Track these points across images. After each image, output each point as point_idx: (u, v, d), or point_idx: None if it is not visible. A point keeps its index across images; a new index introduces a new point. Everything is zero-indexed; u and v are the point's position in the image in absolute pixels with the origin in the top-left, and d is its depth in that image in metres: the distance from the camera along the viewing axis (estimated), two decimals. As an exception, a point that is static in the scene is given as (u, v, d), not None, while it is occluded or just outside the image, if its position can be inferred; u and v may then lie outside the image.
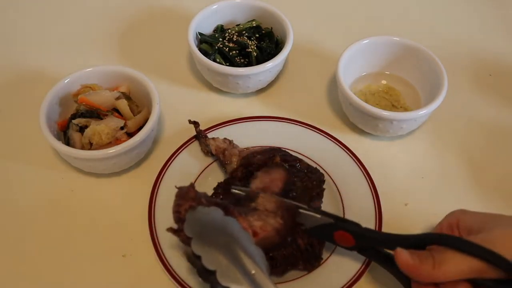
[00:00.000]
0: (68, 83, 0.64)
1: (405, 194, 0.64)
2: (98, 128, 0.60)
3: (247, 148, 0.63)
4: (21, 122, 0.69)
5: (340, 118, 0.72)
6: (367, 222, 0.58)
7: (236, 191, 0.56)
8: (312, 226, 0.53)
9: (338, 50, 0.69)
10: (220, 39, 0.73)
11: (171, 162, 0.62)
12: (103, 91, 0.64)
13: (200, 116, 0.68)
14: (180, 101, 0.73)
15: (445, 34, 0.85)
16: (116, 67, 0.67)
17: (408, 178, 0.66)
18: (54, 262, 0.57)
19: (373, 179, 0.62)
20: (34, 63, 0.77)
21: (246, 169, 0.60)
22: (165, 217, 0.57)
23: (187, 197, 0.52)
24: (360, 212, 0.59)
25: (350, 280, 0.53)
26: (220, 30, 0.76)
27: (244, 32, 0.74)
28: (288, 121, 0.67)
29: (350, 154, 0.64)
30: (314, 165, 0.62)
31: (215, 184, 0.60)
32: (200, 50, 0.71)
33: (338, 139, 0.66)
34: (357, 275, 0.54)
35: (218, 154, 0.62)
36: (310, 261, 0.54)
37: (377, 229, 0.58)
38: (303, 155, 0.64)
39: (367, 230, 0.52)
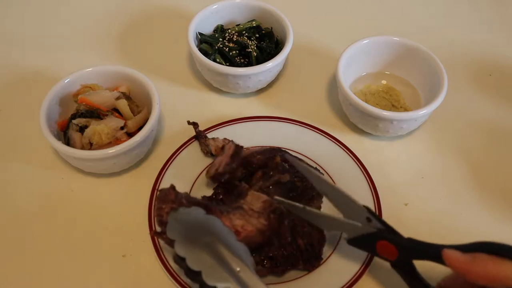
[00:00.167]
0: (68, 83, 0.64)
1: (405, 194, 0.64)
2: (98, 128, 0.60)
3: (247, 148, 0.63)
4: (21, 122, 0.69)
5: (340, 118, 0.72)
6: (367, 222, 0.58)
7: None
8: (353, 237, 0.51)
9: (338, 50, 0.69)
10: (220, 39, 0.73)
11: (171, 162, 0.62)
12: (103, 91, 0.64)
13: (200, 116, 0.68)
14: (180, 101, 0.73)
15: (445, 34, 0.85)
16: (116, 67, 0.67)
17: (408, 178, 0.66)
18: (54, 262, 0.57)
19: (373, 179, 0.62)
20: (34, 63, 0.77)
21: (246, 169, 0.60)
22: (165, 217, 0.58)
23: (167, 200, 0.52)
24: (360, 212, 0.59)
25: (350, 280, 0.53)
26: (220, 30, 0.76)
27: (244, 32, 0.74)
28: (288, 121, 0.67)
29: (350, 154, 0.64)
30: (314, 165, 0.62)
31: (215, 184, 0.61)
32: (200, 50, 0.71)
33: (338, 139, 0.66)
34: (357, 275, 0.54)
35: (218, 154, 0.62)
36: (310, 261, 0.54)
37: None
38: (303, 155, 0.64)
39: (410, 239, 0.49)
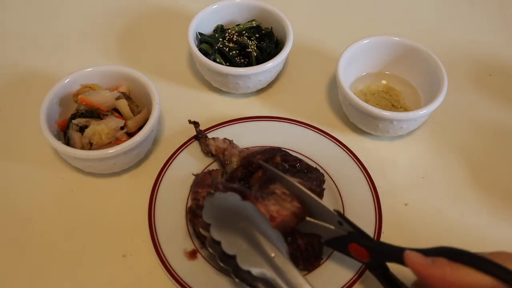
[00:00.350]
0: (68, 83, 0.64)
1: (405, 194, 0.64)
2: (98, 128, 0.60)
3: (247, 148, 0.63)
4: (21, 122, 0.69)
5: (340, 118, 0.72)
6: (367, 222, 0.58)
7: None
8: (329, 238, 0.52)
9: (338, 50, 0.69)
10: (220, 39, 0.73)
11: (171, 162, 0.62)
12: (103, 91, 0.64)
13: (200, 116, 0.68)
14: (180, 101, 0.73)
15: (445, 34, 0.85)
16: (116, 67, 0.67)
17: (408, 178, 0.66)
18: (54, 262, 0.57)
19: (373, 179, 0.62)
20: (34, 63, 0.77)
21: (246, 169, 0.60)
22: (165, 217, 0.58)
23: (204, 184, 0.52)
24: (360, 212, 0.59)
25: (350, 280, 0.53)
26: (220, 30, 0.76)
27: (244, 32, 0.74)
28: (288, 121, 0.67)
29: (350, 154, 0.64)
30: (314, 165, 0.62)
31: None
32: (200, 50, 0.71)
33: (338, 139, 0.66)
34: (357, 274, 0.54)
35: (218, 154, 0.62)
36: (310, 261, 0.54)
37: (377, 229, 0.57)
38: (303, 155, 0.64)
39: (379, 243, 0.50)
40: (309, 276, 0.54)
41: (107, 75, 0.66)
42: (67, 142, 0.62)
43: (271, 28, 0.75)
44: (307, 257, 0.54)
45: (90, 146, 0.61)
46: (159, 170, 0.61)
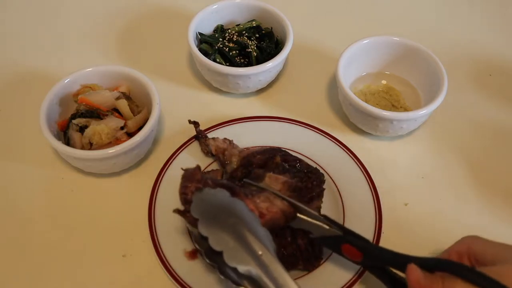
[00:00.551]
0: (68, 83, 0.64)
1: (405, 194, 0.64)
2: (98, 128, 0.60)
3: (247, 148, 0.63)
4: (21, 122, 0.69)
5: (340, 118, 0.72)
6: (367, 222, 0.58)
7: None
8: (320, 236, 0.52)
9: (338, 50, 0.69)
10: (220, 39, 0.73)
11: (171, 162, 0.62)
12: (103, 91, 0.64)
13: (200, 116, 0.68)
14: (180, 101, 0.73)
15: (445, 34, 0.85)
16: (116, 67, 0.67)
17: (408, 178, 0.66)
18: (54, 262, 0.57)
19: (373, 179, 0.62)
20: (34, 63, 0.77)
21: (246, 169, 0.60)
22: (165, 217, 0.57)
23: (193, 179, 0.52)
24: (360, 212, 0.59)
25: (350, 280, 0.53)
26: (220, 30, 0.76)
27: (244, 32, 0.74)
28: (288, 121, 0.67)
29: (350, 154, 0.64)
30: (314, 165, 0.62)
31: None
32: (200, 50, 0.71)
33: (338, 139, 0.66)
34: (357, 275, 0.54)
35: (218, 154, 0.62)
36: (310, 261, 0.54)
37: (377, 229, 0.57)
38: (303, 155, 0.64)
39: (376, 247, 0.50)
40: (309, 276, 0.54)
41: (107, 75, 0.66)
42: (67, 142, 0.62)
43: (271, 28, 0.75)
44: (307, 257, 0.54)
45: (90, 146, 0.61)
46: (159, 170, 0.61)
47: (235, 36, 0.73)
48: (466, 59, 0.81)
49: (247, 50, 0.72)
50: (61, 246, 0.58)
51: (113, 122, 0.61)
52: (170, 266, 0.54)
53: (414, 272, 0.45)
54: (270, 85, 0.74)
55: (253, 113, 0.69)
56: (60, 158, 0.65)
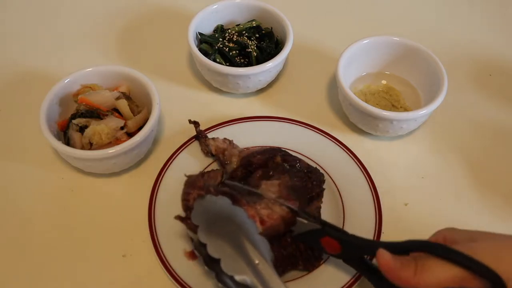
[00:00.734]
0: (68, 83, 0.64)
1: (405, 194, 0.64)
2: (98, 128, 0.60)
3: (247, 148, 0.63)
4: (21, 122, 0.69)
5: (340, 118, 0.72)
6: (367, 222, 0.58)
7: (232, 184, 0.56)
8: (300, 232, 0.53)
9: (338, 50, 0.69)
10: (220, 39, 0.73)
11: (171, 162, 0.62)
12: (103, 91, 0.64)
13: (200, 116, 0.68)
14: (180, 101, 0.73)
15: (445, 34, 0.85)
16: (116, 67, 0.67)
17: (408, 178, 0.66)
18: (54, 262, 0.57)
19: (373, 179, 0.62)
20: (34, 63, 0.77)
21: (246, 169, 0.60)
22: (165, 217, 0.57)
23: (195, 186, 0.52)
24: (360, 212, 0.59)
25: (350, 280, 0.53)
26: (220, 30, 0.76)
27: (244, 32, 0.74)
28: (288, 121, 0.67)
29: (350, 154, 0.64)
30: (314, 165, 0.62)
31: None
32: (200, 50, 0.71)
33: (338, 139, 0.66)
34: (357, 275, 0.54)
35: (218, 154, 0.62)
36: (310, 261, 0.54)
37: (377, 229, 0.58)
38: (303, 155, 0.64)
39: (352, 236, 0.50)
40: (309, 276, 0.54)
41: (107, 75, 0.66)
42: (67, 142, 0.62)
43: (271, 28, 0.75)
44: (307, 257, 0.54)
45: (90, 146, 0.61)
46: (159, 170, 0.61)
47: (235, 36, 0.73)
48: (466, 59, 0.81)
49: (247, 50, 0.72)
50: (61, 246, 0.58)
51: (113, 122, 0.61)
52: (170, 266, 0.54)
53: (383, 256, 0.45)
54: (270, 85, 0.74)
55: (253, 113, 0.69)
56: (60, 158, 0.65)
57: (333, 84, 0.75)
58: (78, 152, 0.58)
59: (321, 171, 0.61)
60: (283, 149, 0.63)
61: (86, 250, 0.58)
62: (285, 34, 0.72)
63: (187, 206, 0.52)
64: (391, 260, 0.44)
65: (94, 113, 0.62)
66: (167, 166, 0.62)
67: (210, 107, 0.72)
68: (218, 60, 0.71)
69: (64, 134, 0.63)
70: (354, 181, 0.62)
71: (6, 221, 0.60)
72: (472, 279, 0.41)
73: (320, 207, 0.58)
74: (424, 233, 0.60)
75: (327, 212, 0.59)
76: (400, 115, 0.64)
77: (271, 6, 0.74)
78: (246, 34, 0.74)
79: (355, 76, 0.74)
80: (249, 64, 0.72)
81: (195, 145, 0.65)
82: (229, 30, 0.75)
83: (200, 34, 0.74)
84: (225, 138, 0.63)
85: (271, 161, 0.59)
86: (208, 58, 0.69)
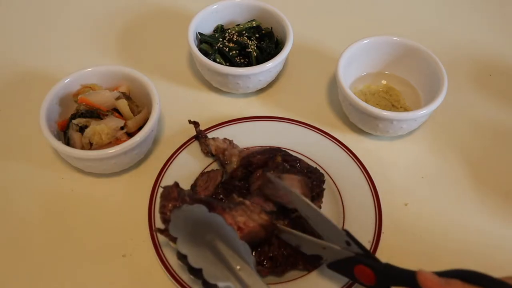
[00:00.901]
0: (68, 83, 0.64)
1: (405, 194, 0.64)
2: (98, 128, 0.60)
3: (247, 148, 0.63)
4: (21, 122, 0.69)
5: (340, 118, 0.72)
6: (367, 222, 0.58)
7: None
8: (332, 261, 0.51)
9: (338, 50, 0.69)
10: (220, 39, 0.73)
11: (171, 162, 0.62)
12: (103, 91, 0.64)
13: (200, 116, 0.68)
14: (180, 101, 0.73)
15: (445, 34, 0.85)
16: (116, 67, 0.67)
17: (408, 178, 0.66)
18: (54, 262, 0.57)
19: (373, 179, 0.62)
20: (34, 63, 0.77)
21: (246, 169, 0.60)
22: (165, 217, 0.57)
23: (170, 198, 0.52)
24: (360, 212, 0.59)
25: (350, 280, 0.53)
26: (220, 30, 0.76)
27: (244, 32, 0.74)
28: (288, 121, 0.67)
29: (350, 154, 0.64)
30: (314, 165, 0.62)
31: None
32: (200, 50, 0.71)
33: (338, 139, 0.66)
34: (357, 275, 0.54)
35: (218, 154, 0.62)
36: (310, 261, 0.54)
37: (377, 229, 0.57)
38: (303, 155, 0.64)
39: (390, 265, 0.48)
40: (309, 276, 0.54)
41: (107, 75, 0.66)
42: (67, 142, 0.62)
43: (271, 28, 0.75)
44: (307, 257, 0.54)
45: (90, 146, 0.61)
46: (159, 170, 0.61)
47: (235, 36, 0.73)
48: (466, 59, 0.81)
49: (247, 50, 0.72)
50: (61, 246, 0.58)
51: (113, 122, 0.61)
52: (170, 266, 0.54)
53: (426, 275, 0.43)
54: (270, 85, 0.74)
55: (253, 113, 0.69)
56: (60, 158, 0.65)
57: (333, 84, 0.75)
58: (78, 152, 0.58)
59: (321, 171, 0.61)
60: (283, 149, 0.63)
61: (86, 250, 0.58)
62: (285, 34, 0.72)
63: (164, 218, 0.51)
64: (435, 278, 0.42)
65: (94, 113, 0.62)
66: (167, 166, 0.62)
67: (210, 107, 0.72)
68: (218, 60, 0.71)
69: (64, 134, 0.63)
70: (354, 181, 0.62)
71: (6, 221, 0.60)
72: None
73: (320, 207, 0.58)
74: (424, 233, 0.60)
75: (327, 212, 0.59)
76: (400, 115, 0.64)
77: (271, 6, 0.74)
78: (246, 34, 0.74)
79: (355, 76, 0.74)
80: (249, 64, 0.72)
81: (195, 145, 0.65)
82: (229, 30, 0.75)
83: (200, 34, 0.74)
84: (225, 138, 0.63)
85: (271, 161, 0.59)
86: (208, 58, 0.69)
